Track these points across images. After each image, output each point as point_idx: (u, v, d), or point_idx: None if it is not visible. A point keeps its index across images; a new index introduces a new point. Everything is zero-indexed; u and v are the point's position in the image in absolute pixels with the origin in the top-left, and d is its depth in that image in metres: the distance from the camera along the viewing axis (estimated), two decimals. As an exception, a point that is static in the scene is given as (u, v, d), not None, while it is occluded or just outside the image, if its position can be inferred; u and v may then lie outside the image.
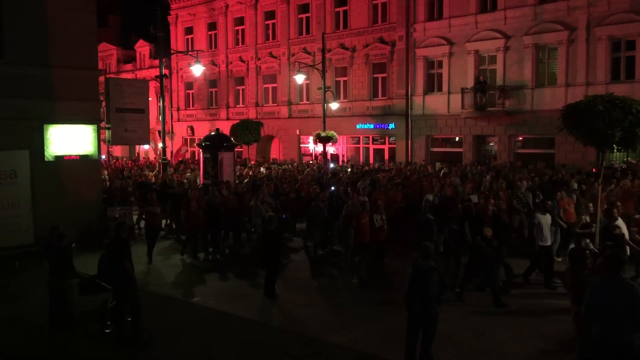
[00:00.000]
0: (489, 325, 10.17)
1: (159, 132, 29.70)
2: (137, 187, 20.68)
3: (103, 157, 42.30)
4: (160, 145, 28.71)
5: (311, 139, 30.28)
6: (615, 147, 13.04)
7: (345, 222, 14.24)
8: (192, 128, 43.37)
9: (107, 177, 24.45)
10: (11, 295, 12.45)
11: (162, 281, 13.59)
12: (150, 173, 26.62)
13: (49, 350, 9.53)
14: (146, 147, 43.85)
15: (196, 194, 16.04)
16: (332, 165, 29.12)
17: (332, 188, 17.79)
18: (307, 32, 35.79)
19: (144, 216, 15.97)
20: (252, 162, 33.06)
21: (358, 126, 33.35)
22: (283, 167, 28.57)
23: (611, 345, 6.48)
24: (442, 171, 23.07)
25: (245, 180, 21.88)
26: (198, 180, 21.46)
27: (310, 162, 32.50)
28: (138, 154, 47.58)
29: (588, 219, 12.83)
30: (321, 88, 30.06)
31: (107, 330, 9.87)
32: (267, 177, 22.41)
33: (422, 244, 8.26)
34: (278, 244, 12.28)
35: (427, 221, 15.64)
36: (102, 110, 19.48)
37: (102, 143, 18.80)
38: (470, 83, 28.14)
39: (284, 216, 14.42)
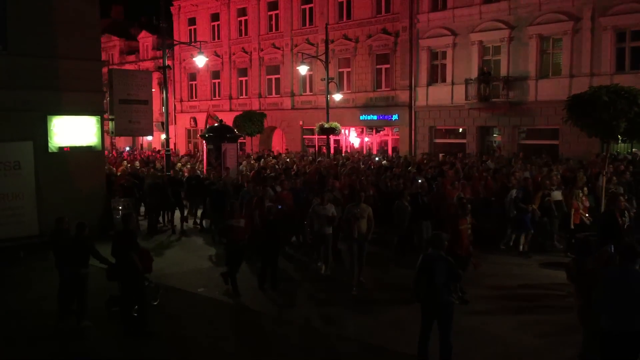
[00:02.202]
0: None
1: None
2: (170, 184, 18.81)
3: (127, 148, 42.55)
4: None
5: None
6: (620, 138, 13.02)
7: (341, 225, 12.52)
8: (195, 119, 43.35)
9: (139, 167, 23.26)
10: (17, 285, 12.52)
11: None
12: (184, 166, 23.73)
13: (57, 339, 9.59)
14: (149, 138, 43.87)
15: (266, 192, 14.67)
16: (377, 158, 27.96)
17: (420, 181, 16.27)
18: (310, 22, 35.66)
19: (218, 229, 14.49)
20: (283, 152, 32.49)
21: (361, 117, 33.26)
22: (318, 160, 26.54)
23: (623, 336, 6.48)
24: (487, 164, 21.64)
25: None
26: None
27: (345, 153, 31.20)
28: (142, 144, 47.61)
29: None
30: (324, 79, 29.97)
31: (135, 314, 9.94)
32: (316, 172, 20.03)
33: (434, 233, 8.25)
34: (278, 234, 12.22)
35: (516, 218, 14.62)
36: (105, 101, 19.49)
37: (105, 134, 18.85)
38: (474, 74, 28.02)
39: (279, 207, 13.49)
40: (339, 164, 22.74)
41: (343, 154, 30.75)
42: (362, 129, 34.35)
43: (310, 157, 28.29)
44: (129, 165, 23.65)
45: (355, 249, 11.85)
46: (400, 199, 14.04)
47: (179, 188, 18.69)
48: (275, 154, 32.27)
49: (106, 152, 33.73)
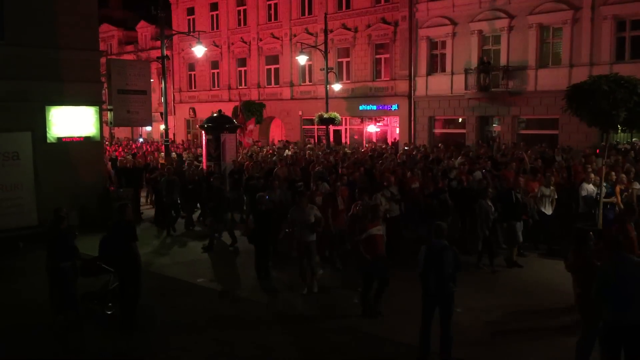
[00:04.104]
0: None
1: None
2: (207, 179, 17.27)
3: (141, 140, 42.31)
4: None
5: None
6: (620, 128, 12.97)
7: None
8: (194, 109, 43.27)
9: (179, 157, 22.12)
10: (16, 276, 12.53)
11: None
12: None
13: (52, 331, 9.62)
14: (148, 128, 43.78)
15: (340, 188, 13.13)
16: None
17: (487, 179, 14.23)
18: (309, 12, 35.49)
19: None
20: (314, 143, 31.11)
21: (361, 107, 33.18)
22: (347, 151, 25.00)
23: (623, 327, 6.48)
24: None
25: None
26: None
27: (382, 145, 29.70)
28: (140, 135, 47.53)
29: None
30: (324, 69, 29.87)
31: (109, 312, 9.92)
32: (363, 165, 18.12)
33: (436, 223, 8.25)
34: (268, 224, 12.08)
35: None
36: (104, 92, 19.43)
37: (104, 125, 18.78)
38: (473, 64, 27.92)
39: (267, 197, 12.76)
40: (374, 157, 21.29)
41: (367, 145, 29.76)
42: (362, 118, 34.29)
43: (343, 150, 26.38)
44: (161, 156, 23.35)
45: None
46: (484, 197, 12.29)
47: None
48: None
49: (126, 142, 33.94)
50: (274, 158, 21.94)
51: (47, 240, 9.95)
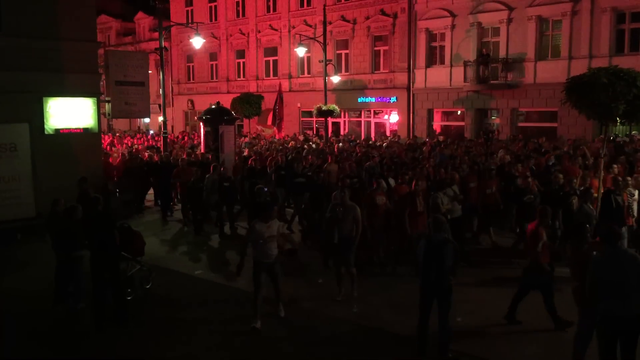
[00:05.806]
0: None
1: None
2: (248, 176, 16.22)
3: (151, 132, 41.84)
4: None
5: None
6: (619, 120, 12.97)
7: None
8: (192, 101, 43.19)
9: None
10: (14, 267, 12.54)
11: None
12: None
13: (52, 320, 9.61)
14: (146, 120, 43.67)
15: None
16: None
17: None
18: (308, 4, 35.36)
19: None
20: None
21: (359, 99, 33.14)
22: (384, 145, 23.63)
23: (621, 320, 6.49)
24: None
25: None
26: None
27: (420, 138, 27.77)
28: (139, 127, 47.39)
29: None
30: (322, 61, 29.81)
31: (129, 298, 9.95)
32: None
33: (434, 216, 8.22)
34: None
35: None
36: (101, 83, 19.34)
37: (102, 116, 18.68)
38: (472, 56, 27.87)
39: (264, 189, 12.50)
40: (410, 151, 19.97)
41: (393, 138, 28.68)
42: (360, 111, 34.23)
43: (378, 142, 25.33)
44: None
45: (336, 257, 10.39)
46: (586, 200, 11.01)
47: (259, 180, 15.34)
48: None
49: (140, 135, 33.55)
50: (304, 152, 20.31)
51: (56, 230, 9.92)
